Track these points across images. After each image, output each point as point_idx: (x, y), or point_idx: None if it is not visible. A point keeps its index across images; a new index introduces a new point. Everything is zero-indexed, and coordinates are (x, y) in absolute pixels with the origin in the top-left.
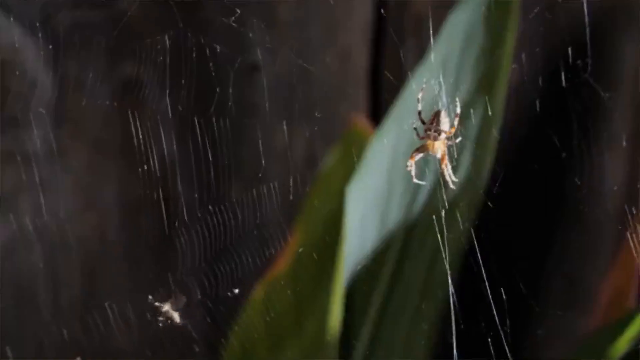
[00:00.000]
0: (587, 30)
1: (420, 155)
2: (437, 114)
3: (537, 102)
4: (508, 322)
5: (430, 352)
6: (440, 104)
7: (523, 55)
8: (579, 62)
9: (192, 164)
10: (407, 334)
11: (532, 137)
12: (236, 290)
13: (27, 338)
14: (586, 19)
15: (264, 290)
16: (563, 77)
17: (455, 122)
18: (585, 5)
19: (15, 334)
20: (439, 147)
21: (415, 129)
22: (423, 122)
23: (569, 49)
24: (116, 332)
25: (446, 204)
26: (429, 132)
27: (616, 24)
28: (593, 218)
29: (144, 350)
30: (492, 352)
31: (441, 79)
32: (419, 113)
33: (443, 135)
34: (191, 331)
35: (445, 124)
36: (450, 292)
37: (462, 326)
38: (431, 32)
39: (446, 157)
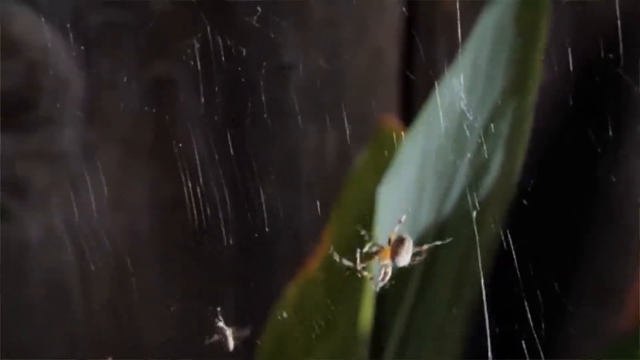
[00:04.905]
0: (619, 22)
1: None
2: (401, 242)
3: (569, 96)
4: (542, 322)
5: (462, 353)
6: (467, 113)
7: (552, 48)
8: (610, 55)
9: (223, 165)
10: (438, 334)
11: (563, 132)
12: (268, 290)
13: (59, 337)
14: (617, 11)
15: (296, 289)
16: (594, 71)
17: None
18: None
19: (47, 333)
20: (388, 261)
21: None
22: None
23: (601, 42)
24: (148, 331)
25: (477, 205)
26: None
27: None
28: (627, 216)
29: (176, 349)
30: (526, 352)
31: (462, 80)
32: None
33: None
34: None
35: (405, 257)
36: (483, 292)
37: (496, 328)
38: (462, 31)
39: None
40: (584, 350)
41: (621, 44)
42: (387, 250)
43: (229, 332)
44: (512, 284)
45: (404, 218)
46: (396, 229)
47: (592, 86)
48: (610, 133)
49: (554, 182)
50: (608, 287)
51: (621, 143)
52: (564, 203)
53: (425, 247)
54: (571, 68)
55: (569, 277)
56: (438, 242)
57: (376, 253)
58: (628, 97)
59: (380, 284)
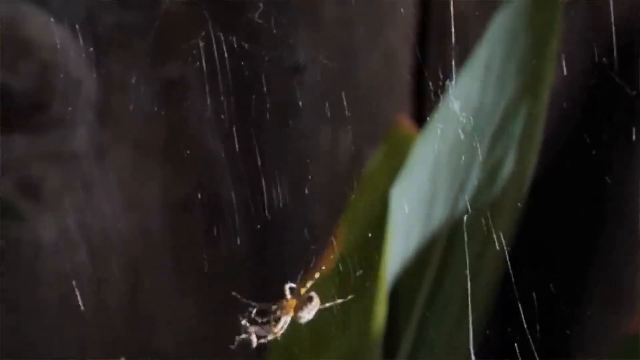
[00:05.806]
0: (613, 27)
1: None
2: (310, 300)
3: (564, 99)
4: (542, 326)
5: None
6: (480, 114)
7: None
8: (604, 59)
9: (235, 165)
10: (450, 336)
11: (562, 135)
12: (280, 290)
13: (71, 338)
14: (611, 16)
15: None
16: (589, 76)
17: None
18: (610, 2)
19: (59, 334)
20: (291, 314)
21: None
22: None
23: (594, 46)
24: (161, 332)
25: (489, 207)
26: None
27: None
28: (631, 216)
29: (189, 350)
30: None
31: (475, 81)
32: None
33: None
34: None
35: (308, 316)
36: (468, 295)
37: (487, 331)
38: (475, 32)
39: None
40: (591, 353)
41: (615, 49)
42: (293, 302)
43: (252, 330)
44: (512, 287)
45: (316, 275)
46: (308, 284)
47: (587, 89)
48: (607, 134)
49: (559, 183)
50: (616, 288)
51: (620, 143)
52: (560, 204)
53: (328, 304)
54: (564, 72)
55: (571, 279)
56: (339, 300)
57: (280, 303)
58: (622, 100)
59: (278, 334)
